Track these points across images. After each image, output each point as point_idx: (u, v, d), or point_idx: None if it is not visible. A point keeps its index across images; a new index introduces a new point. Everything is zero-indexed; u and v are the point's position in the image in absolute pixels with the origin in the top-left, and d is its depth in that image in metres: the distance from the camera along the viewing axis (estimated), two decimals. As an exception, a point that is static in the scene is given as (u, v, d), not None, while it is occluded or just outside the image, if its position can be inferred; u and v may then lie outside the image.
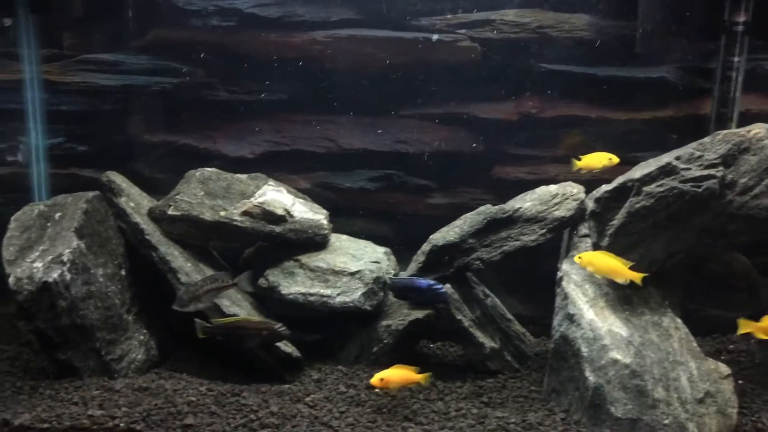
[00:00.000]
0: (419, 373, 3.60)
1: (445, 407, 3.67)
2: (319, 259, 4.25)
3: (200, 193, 4.27)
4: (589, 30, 4.38)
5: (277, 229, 4.21)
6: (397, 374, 3.60)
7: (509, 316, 4.31)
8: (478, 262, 4.06)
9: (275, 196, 4.33)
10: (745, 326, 3.53)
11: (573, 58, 4.43)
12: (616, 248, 3.61)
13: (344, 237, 4.52)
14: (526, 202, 4.09)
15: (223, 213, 4.18)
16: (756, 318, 3.54)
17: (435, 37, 4.44)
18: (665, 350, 3.47)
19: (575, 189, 4.10)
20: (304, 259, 4.25)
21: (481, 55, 4.47)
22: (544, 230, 4.02)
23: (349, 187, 4.75)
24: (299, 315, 4.14)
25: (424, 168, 4.70)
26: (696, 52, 4.41)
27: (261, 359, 3.94)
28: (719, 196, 3.50)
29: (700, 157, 3.55)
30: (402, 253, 4.44)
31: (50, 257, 3.55)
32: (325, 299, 4.05)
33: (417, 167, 4.71)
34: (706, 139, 3.63)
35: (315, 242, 4.31)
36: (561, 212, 4.02)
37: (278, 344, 3.96)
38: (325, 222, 4.36)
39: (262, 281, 4.20)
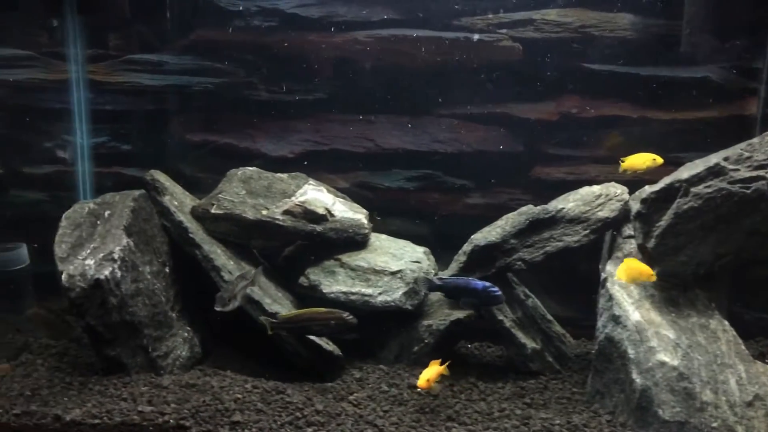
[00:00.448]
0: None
1: (488, 408, 3.66)
2: (359, 259, 4.26)
3: (242, 192, 4.30)
4: (633, 29, 4.34)
5: (318, 228, 4.24)
6: (434, 371, 3.60)
7: (549, 317, 4.29)
8: (519, 262, 4.06)
9: (316, 195, 4.36)
10: None
11: (615, 57, 4.39)
12: (662, 249, 3.58)
13: (383, 236, 4.54)
14: (569, 203, 4.07)
15: (264, 212, 4.21)
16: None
17: (476, 36, 4.43)
18: (713, 353, 3.43)
19: (619, 190, 4.08)
20: (345, 258, 4.27)
21: (521, 54, 4.45)
22: (588, 231, 4.00)
23: (387, 186, 4.76)
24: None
25: (462, 168, 4.70)
26: (741, 51, 4.35)
27: (302, 357, 3.97)
28: (768, 197, 3.46)
29: (749, 158, 3.50)
30: (440, 253, 4.44)
31: (101, 255, 3.60)
32: (366, 298, 4.07)
33: (455, 167, 4.70)
34: (755, 140, 3.59)
35: (355, 241, 4.33)
36: (605, 213, 4.00)
37: (320, 343, 3.99)
38: (365, 221, 4.38)
39: (302, 280, 4.22)
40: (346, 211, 4.36)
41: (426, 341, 4.11)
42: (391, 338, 4.23)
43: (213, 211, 4.16)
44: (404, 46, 4.49)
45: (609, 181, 4.28)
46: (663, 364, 3.34)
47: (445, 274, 4.29)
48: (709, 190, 3.48)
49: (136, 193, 4.09)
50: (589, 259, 4.30)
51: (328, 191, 4.49)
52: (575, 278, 4.43)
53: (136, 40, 4.58)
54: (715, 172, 3.50)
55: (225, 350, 4.24)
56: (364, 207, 4.47)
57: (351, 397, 3.68)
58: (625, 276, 3.53)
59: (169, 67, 4.60)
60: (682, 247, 3.57)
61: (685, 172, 3.55)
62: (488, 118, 4.61)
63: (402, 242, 4.49)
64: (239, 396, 3.51)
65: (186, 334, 4.00)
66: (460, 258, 4.19)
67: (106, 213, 3.91)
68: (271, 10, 4.50)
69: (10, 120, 4.58)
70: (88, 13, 4.33)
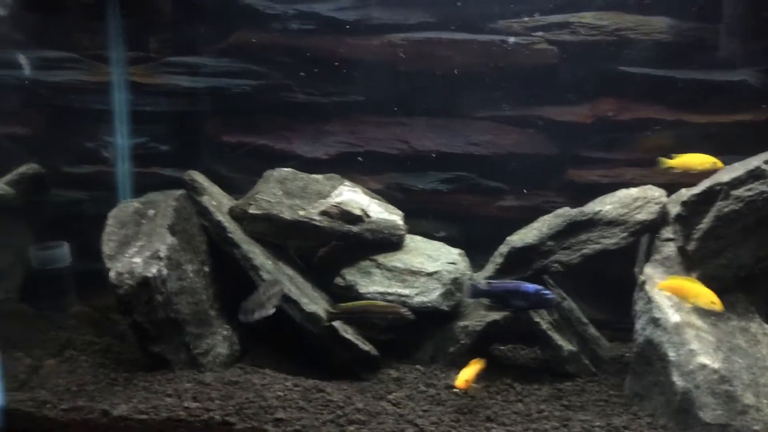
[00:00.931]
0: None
1: (525, 409, 3.68)
2: (395, 259, 4.30)
3: (279, 193, 4.36)
4: (669, 32, 4.35)
5: (354, 229, 4.28)
6: (472, 371, 3.63)
7: (585, 319, 4.30)
8: (556, 264, 4.07)
9: (352, 196, 4.40)
10: None
11: (651, 60, 4.41)
12: (702, 252, 3.59)
13: (418, 238, 4.57)
14: (606, 205, 4.08)
15: (301, 212, 4.26)
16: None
17: (511, 39, 4.46)
18: (754, 356, 3.43)
19: (657, 192, 4.08)
20: (381, 258, 4.30)
21: (557, 57, 4.47)
22: (626, 233, 4.01)
23: (421, 188, 4.79)
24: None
25: (496, 170, 4.72)
26: (780, 55, 4.36)
27: (339, 357, 4.00)
28: (810, 201, 3.46)
29: (790, 161, 3.51)
30: (473, 255, 4.47)
31: (148, 253, 3.66)
32: (403, 299, 4.10)
33: (489, 169, 4.73)
34: (796, 143, 3.59)
35: (391, 242, 4.37)
36: (643, 215, 4.01)
37: (356, 342, 4.02)
38: (400, 222, 4.42)
39: (338, 280, 4.26)
40: (381, 212, 4.40)
41: (462, 342, 4.13)
42: (426, 339, 4.25)
43: (251, 211, 4.21)
44: (439, 48, 4.53)
45: (643, 183, 4.28)
46: (704, 366, 3.34)
47: (480, 276, 4.32)
48: (750, 193, 3.48)
49: (178, 192, 4.15)
50: (620, 262, 4.31)
51: (364, 192, 4.53)
52: (607, 281, 4.44)
53: (175, 43, 4.65)
54: (756, 175, 3.50)
55: (261, 349, 4.28)
56: (397, 209, 4.51)
57: (390, 397, 3.71)
58: (677, 293, 3.47)
59: (208, 69, 4.67)
60: (722, 250, 3.58)
61: (725, 175, 3.55)
62: (523, 120, 4.64)
63: (437, 243, 4.52)
64: (281, 393, 3.55)
65: (225, 332, 4.05)
66: (496, 260, 4.22)
67: (151, 212, 3.98)
68: (308, 13, 4.56)
69: (52, 120, 4.66)
70: (131, 17, 4.40)
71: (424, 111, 4.70)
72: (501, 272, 4.16)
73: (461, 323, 4.16)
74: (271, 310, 3.77)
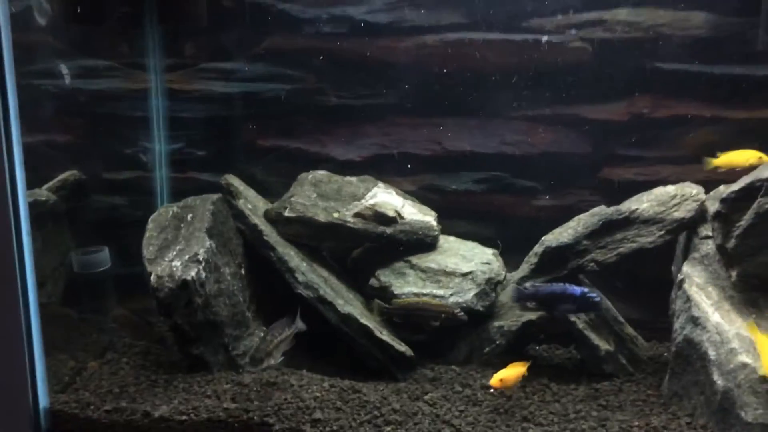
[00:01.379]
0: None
1: (563, 409, 3.67)
2: (429, 260, 4.31)
3: (313, 195, 4.40)
4: (706, 27, 4.29)
5: (388, 230, 4.30)
6: (513, 372, 3.64)
7: (621, 318, 4.25)
8: (592, 263, 4.04)
9: (386, 197, 4.43)
10: None
11: (688, 56, 4.34)
12: (742, 250, 3.52)
13: (452, 238, 4.58)
14: (643, 203, 4.04)
15: (336, 214, 4.30)
16: None
17: (545, 38, 4.43)
18: (796, 355, 3.37)
19: (695, 190, 4.02)
20: (415, 259, 4.32)
21: (591, 55, 4.43)
22: (663, 231, 3.96)
23: (454, 189, 4.79)
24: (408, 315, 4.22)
25: (530, 170, 4.70)
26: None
27: (374, 357, 4.03)
28: None
29: (832, 156, 3.44)
30: (506, 256, 4.46)
31: (187, 256, 3.72)
32: (438, 299, 4.11)
33: (523, 169, 4.71)
34: (838, 138, 3.51)
35: (425, 243, 4.38)
36: (680, 213, 3.96)
37: (392, 343, 4.05)
38: (434, 223, 4.43)
39: (373, 281, 4.29)
40: (415, 214, 4.42)
41: (497, 342, 4.13)
42: (461, 339, 4.26)
43: (286, 214, 4.26)
44: (472, 49, 4.52)
45: (679, 181, 4.22)
46: (745, 365, 3.28)
47: (514, 276, 4.31)
48: (792, 189, 3.42)
49: (214, 196, 4.23)
50: (657, 260, 4.26)
51: (397, 194, 4.56)
52: (644, 280, 4.39)
53: (211, 50, 4.72)
54: (797, 170, 3.44)
55: (296, 350, 4.32)
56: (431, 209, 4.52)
57: (426, 397, 3.72)
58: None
59: (243, 74, 4.72)
60: (763, 247, 3.50)
61: (766, 171, 3.48)
62: (557, 119, 4.60)
63: (471, 244, 4.52)
64: (318, 394, 3.59)
65: (262, 334, 4.10)
66: (531, 259, 4.20)
67: (189, 216, 4.05)
68: (341, 17, 4.58)
69: (92, 128, 4.76)
70: (168, 24, 4.48)
71: (457, 112, 4.68)
72: (536, 272, 4.15)
73: (496, 323, 4.16)
74: (280, 359, 3.80)
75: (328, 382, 3.76)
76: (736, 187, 3.55)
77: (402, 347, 4.06)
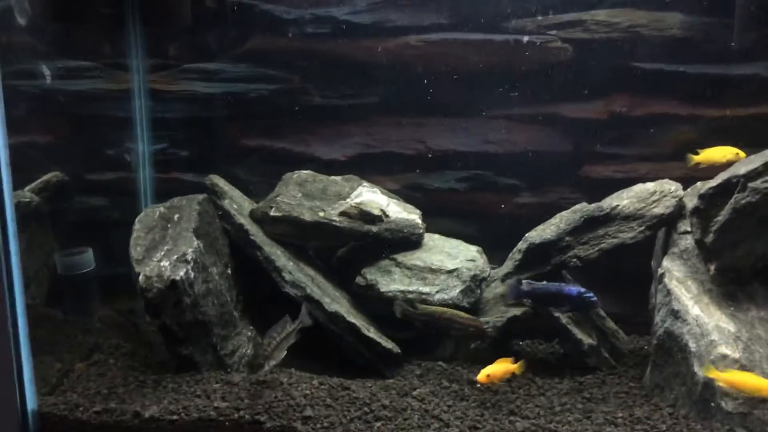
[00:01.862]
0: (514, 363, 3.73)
1: (548, 402, 3.74)
2: (415, 258, 4.36)
3: (298, 195, 4.42)
4: (682, 28, 4.39)
5: (374, 228, 4.34)
6: (500, 368, 3.70)
7: (603, 313, 4.35)
8: (575, 259, 4.13)
9: (371, 196, 4.46)
10: None
11: (665, 56, 4.44)
12: (720, 244, 3.63)
13: (436, 236, 4.63)
14: (624, 200, 4.13)
15: (321, 214, 4.32)
16: None
17: (525, 38, 4.51)
18: (773, 346, 3.48)
19: (673, 186, 4.13)
20: (400, 257, 4.36)
21: (571, 55, 4.51)
22: (643, 227, 4.06)
23: (437, 187, 4.85)
24: (393, 313, 4.26)
25: (512, 168, 4.77)
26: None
27: (362, 355, 4.06)
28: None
29: (806, 152, 3.55)
30: (490, 253, 4.53)
31: (175, 256, 3.72)
32: (424, 296, 4.15)
33: (505, 167, 4.77)
34: (811, 135, 3.63)
35: (410, 241, 4.43)
36: (660, 209, 4.06)
37: (379, 341, 4.09)
38: (419, 221, 4.47)
39: (359, 279, 4.32)
40: (400, 212, 4.46)
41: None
42: (447, 336, 4.31)
43: (272, 213, 4.28)
44: (455, 49, 4.58)
45: (657, 178, 4.34)
46: (725, 357, 3.39)
47: (498, 273, 4.38)
48: (767, 185, 3.52)
49: (200, 197, 4.24)
50: (636, 256, 4.36)
51: (382, 192, 4.59)
52: (623, 275, 4.47)
53: (194, 50, 4.71)
54: (773, 167, 3.54)
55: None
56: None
57: (414, 393, 3.77)
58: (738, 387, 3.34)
59: (226, 75, 4.73)
60: (740, 241, 3.61)
61: (742, 168, 3.59)
62: (538, 118, 4.68)
63: (455, 241, 4.58)
64: (308, 392, 3.61)
65: (249, 333, 4.12)
66: (515, 256, 4.27)
67: (176, 216, 4.05)
68: (324, 17, 4.60)
69: (74, 129, 4.73)
70: (151, 25, 4.47)
71: (440, 111, 4.74)
72: (519, 268, 4.23)
73: (482, 319, 4.21)
74: (283, 355, 3.73)
75: (317, 379, 3.79)
76: (713, 183, 3.65)
77: (389, 344, 4.11)
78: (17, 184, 3.97)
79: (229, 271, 4.20)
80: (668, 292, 3.74)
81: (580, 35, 4.48)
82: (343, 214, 4.34)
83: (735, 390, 3.27)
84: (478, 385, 3.83)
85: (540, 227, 4.26)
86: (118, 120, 4.67)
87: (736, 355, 3.38)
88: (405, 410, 3.55)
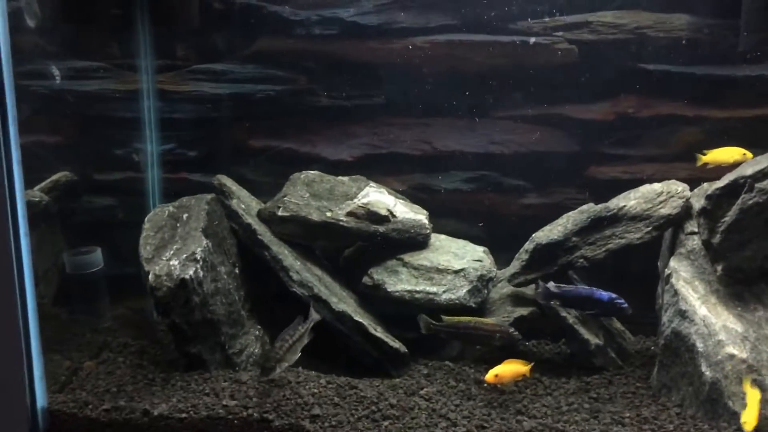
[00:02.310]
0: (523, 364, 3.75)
1: (555, 402, 3.75)
2: (422, 258, 4.37)
3: (306, 195, 4.44)
4: (689, 29, 4.41)
5: (381, 228, 4.36)
6: (509, 369, 3.71)
7: (609, 313, 4.35)
8: (582, 260, 4.14)
9: (378, 197, 4.48)
10: None
11: (671, 57, 4.46)
12: (727, 245, 3.63)
13: (443, 236, 4.64)
14: (631, 200, 4.14)
15: (329, 213, 4.34)
16: None
17: (532, 40, 4.52)
18: (781, 345, 3.49)
19: (680, 187, 4.14)
20: (407, 257, 4.37)
21: (578, 56, 4.53)
22: (650, 228, 4.07)
23: (444, 188, 4.86)
24: (399, 312, 4.28)
25: (518, 169, 4.79)
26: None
27: (369, 355, 4.08)
28: (833, 192, 3.50)
29: (812, 153, 3.56)
30: (496, 253, 4.54)
31: (185, 255, 3.74)
32: (431, 296, 4.17)
33: (512, 168, 4.79)
34: (818, 135, 3.64)
35: (417, 241, 4.44)
36: (667, 210, 4.07)
37: (387, 340, 4.10)
38: (426, 221, 4.49)
39: (366, 279, 4.33)
40: (407, 212, 4.48)
41: (490, 338, 4.20)
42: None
43: (279, 213, 4.30)
44: (461, 50, 4.60)
45: (663, 179, 4.35)
46: (732, 356, 3.39)
47: (505, 273, 4.39)
48: (774, 185, 3.53)
49: (209, 196, 4.26)
50: (642, 257, 4.37)
51: (389, 193, 4.61)
52: (629, 276, 4.48)
53: (202, 51, 4.74)
54: (780, 167, 3.55)
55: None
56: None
57: (422, 392, 3.78)
58: None
59: (234, 75, 4.75)
60: (747, 242, 3.62)
61: (749, 169, 3.60)
62: (544, 119, 4.70)
63: (462, 242, 4.59)
64: (316, 391, 3.63)
65: (257, 332, 4.14)
66: (521, 256, 4.28)
67: (185, 216, 4.08)
68: (331, 18, 4.63)
69: (83, 129, 4.76)
70: (161, 25, 4.50)
71: (446, 112, 4.76)
72: (526, 268, 4.23)
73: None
74: (297, 356, 3.69)
75: (325, 378, 3.81)
76: (720, 184, 3.66)
77: (396, 344, 4.12)
78: (27, 184, 4.01)
79: (237, 271, 4.22)
80: (675, 293, 3.75)
81: (587, 36, 4.50)
82: (350, 214, 4.36)
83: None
84: (486, 385, 3.85)
85: (547, 227, 4.27)
86: (127, 120, 4.69)
87: (744, 355, 3.39)
88: (412, 409, 3.57)
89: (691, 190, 4.16)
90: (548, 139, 4.74)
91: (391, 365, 4.11)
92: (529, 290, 4.32)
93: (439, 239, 4.60)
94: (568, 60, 4.54)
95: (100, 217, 4.83)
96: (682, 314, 3.64)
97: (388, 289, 4.23)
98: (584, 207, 4.24)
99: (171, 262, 3.69)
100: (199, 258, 3.74)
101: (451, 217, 4.85)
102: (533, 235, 4.27)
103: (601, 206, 4.20)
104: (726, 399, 3.34)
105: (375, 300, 4.33)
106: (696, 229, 3.87)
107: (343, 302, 4.18)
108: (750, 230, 3.60)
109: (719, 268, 3.70)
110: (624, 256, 4.21)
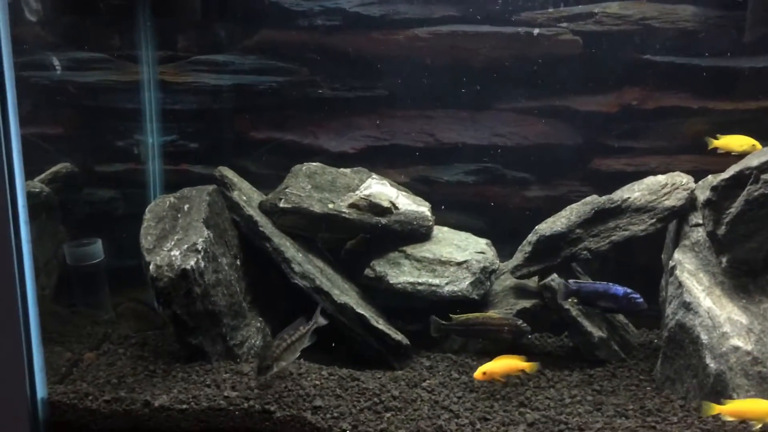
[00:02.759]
0: (526, 361, 3.69)
1: (558, 394, 3.72)
2: (424, 250, 4.35)
3: (308, 187, 4.42)
4: (694, 20, 4.38)
5: (383, 220, 4.34)
6: (500, 365, 3.67)
7: (612, 306, 4.33)
8: (585, 252, 4.11)
9: (380, 188, 4.46)
10: None
11: (676, 49, 4.43)
12: (733, 236, 3.61)
13: (445, 229, 4.63)
14: (635, 192, 4.12)
15: (331, 205, 4.32)
16: None
17: (536, 31, 4.49)
18: (786, 338, 3.46)
19: (684, 179, 4.11)
20: (410, 249, 4.36)
21: (582, 48, 4.50)
22: (654, 220, 4.04)
23: (446, 180, 4.84)
24: (402, 305, 4.26)
25: (521, 161, 4.76)
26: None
27: (372, 347, 4.06)
28: (838, 183, 3.48)
29: (818, 144, 3.53)
30: (499, 245, 4.52)
31: (186, 246, 3.72)
32: (433, 288, 4.15)
33: (515, 160, 4.77)
34: (824, 127, 3.61)
35: (419, 233, 4.42)
36: (671, 202, 4.04)
37: (389, 332, 4.08)
38: (428, 213, 4.47)
39: (368, 271, 4.31)
40: (410, 204, 4.46)
41: (492, 330, 4.17)
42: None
43: (281, 205, 4.27)
44: (464, 41, 4.57)
45: (667, 171, 4.32)
46: (737, 348, 3.37)
47: (509, 265, 4.37)
48: (780, 177, 3.50)
49: (210, 188, 4.23)
50: (646, 249, 4.34)
51: (391, 185, 4.59)
52: (633, 268, 4.46)
53: (203, 42, 4.71)
54: (785, 159, 3.52)
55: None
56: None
57: (424, 384, 3.76)
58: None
59: (235, 67, 4.73)
60: (752, 233, 3.59)
61: (754, 160, 3.57)
62: (548, 111, 4.67)
63: (464, 234, 4.58)
64: (317, 382, 3.61)
65: (258, 324, 4.12)
66: (524, 248, 4.26)
67: (186, 206, 4.05)
68: (333, 9, 4.60)
69: (84, 120, 4.74)
70: (162, 16, 4.47)
71: (449, 104, 4.73)
72: (529, 260, 4.21)
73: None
74: (295, 357, 3.65)
75: (327, 370, 3.78)
76: (726, 175, 3.63)
77: (398, 336, 4.10)
78: (27, 175, 3.99)
79: (239, 262, 4.20)
80: (680, 285, 3.72)
81: (591, 28, 4.47)
82: (352, 205, 4.34)
83: (743, 419, 3.21)
84: (476, 382, 3.81)
85: (550, 219, 4.24)
86: (128, 111, 4.68)
87: (749, 347, 3.37)
88: (415, 401, 3.55)
89: (696, 181, 4.13)
90: (552, 131, 4.72)
91: (394, 357, 4.09)
92: (532, 282, 4.30)
93: (441, 231, 4.58)
94: (572, 51, 4.51)
95: (100, 209, 4.82)
96: (687, 306, 3.61)
97: (391, 281, 4.21)
98: (588, 199, 4.22)
99: (172, 253, 3.67)
100: (200, 249, 3.72)
101: (454, 209, 4.82)
102: (537, 227, 4.25)
103: (604, 198, 4.17)
104: (731, 391, 3.32)
105: (377, 292, 4.31)
106: (700, 221, 3.85)
107: (345, 294, 4.16)
108: (755, 222, 3.57)
109: (724, 259, 3.67)
110: (628, 248, 4.18)
